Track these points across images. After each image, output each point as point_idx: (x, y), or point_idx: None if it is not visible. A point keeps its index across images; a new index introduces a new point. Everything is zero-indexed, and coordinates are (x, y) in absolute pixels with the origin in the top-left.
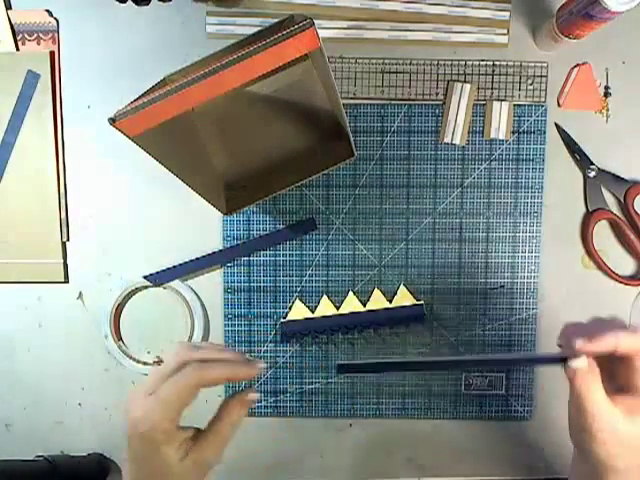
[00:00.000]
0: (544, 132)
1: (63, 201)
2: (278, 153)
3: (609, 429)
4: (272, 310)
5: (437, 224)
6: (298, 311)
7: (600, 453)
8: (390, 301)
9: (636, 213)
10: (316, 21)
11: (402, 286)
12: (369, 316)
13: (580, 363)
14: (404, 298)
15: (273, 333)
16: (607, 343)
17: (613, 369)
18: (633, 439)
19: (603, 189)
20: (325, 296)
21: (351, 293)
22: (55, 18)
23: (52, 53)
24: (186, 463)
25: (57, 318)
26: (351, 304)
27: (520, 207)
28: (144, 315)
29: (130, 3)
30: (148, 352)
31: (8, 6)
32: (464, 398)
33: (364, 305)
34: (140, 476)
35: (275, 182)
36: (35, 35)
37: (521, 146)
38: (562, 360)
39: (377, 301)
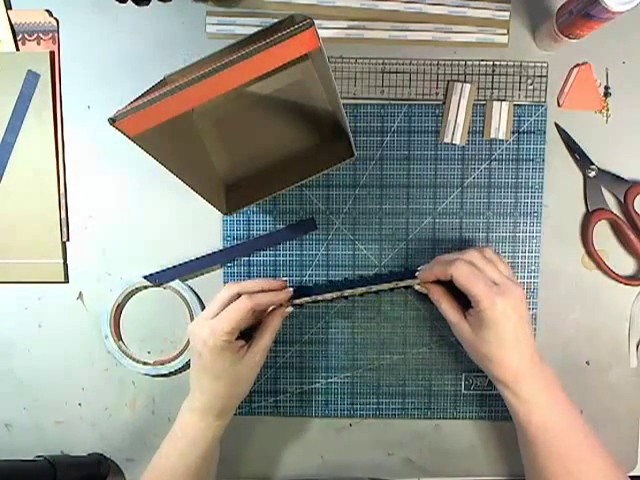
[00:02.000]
0: (544, 132)
1: (63, 201)
2: (278, 153)
3: (462, 336)
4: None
5: (437, 224)
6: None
7: (469, 352)
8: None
9: (636, 213)
10: (316, 21)
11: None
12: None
13: (417, 287)
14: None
15: None
16: (435, 273)
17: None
18: (478, 346)
19: (603, 189)
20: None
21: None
22: (55, 18)
23: (52, 53)
24: (243, 363)
25: (57, 318)
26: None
27: (520, 207)
28: (144, 315)
29: (130, 3)
30: (148, 352)
31: (8, 6)
32: (464, 398)
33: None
34: (208, 381)
35: (275, 182)
36: (35, 35)
37: (521, 146)
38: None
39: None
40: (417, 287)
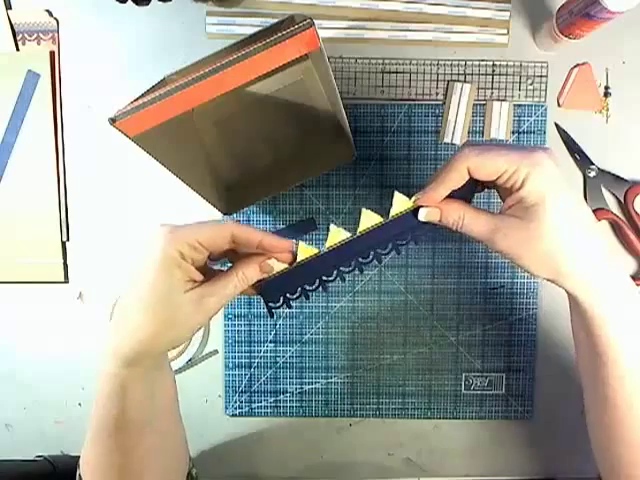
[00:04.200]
0: (544, 132)
1: (63, 201)
2: (278, 153)
3: (510, 246)
4: None
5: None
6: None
7: (527, 262)
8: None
9: (636, 213)
10: (316, 21)
11: (395, 193)
12: (364, 241)
13: (423, 212)
14: (400, 205)
15: (273, 333)
16: (444, 187)
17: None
18: (537, 245)
19: (603, 189)
20: (300, 242)
21: (332, 225)
22: (55, 18)
23: (52, 53)
24: (188, 299)
25: (57, 318)
26: (337, 237)
27: None
28: None
29: (130, 3)
30: None
31: (8, 6)
32: (464, 398)
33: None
34: (135, 312)
35: (275, 182)
36: (35, 35)
37: None
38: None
39: (368, 221)
40: (423, 216)
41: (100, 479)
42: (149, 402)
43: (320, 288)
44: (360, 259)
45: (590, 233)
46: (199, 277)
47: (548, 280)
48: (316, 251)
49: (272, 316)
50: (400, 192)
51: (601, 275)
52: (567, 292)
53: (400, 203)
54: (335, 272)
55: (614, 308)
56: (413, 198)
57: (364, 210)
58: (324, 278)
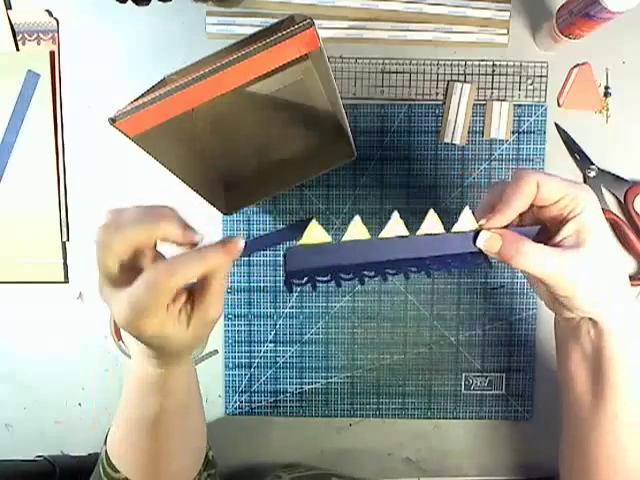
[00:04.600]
0: (544, 132)
1: (63, 201)
2: (278, 153)
3: (580, 269)
4: (272, 310)
5: None
6: (313, 236)
7: (577, 300)
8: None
9: (636, 213)
10: (316, 21)
11: (466, 209)
12: (420, 243)
13: (483, 237)
14: (465, 222)
15: (273, 333)
16: (513, 208)
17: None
18: (584, 277)
19: (603, 189)
20: (357, 217)
21: (396, 213)
22: (55, 18)
23: (52, 53)
24: (192, 328)
25: (57, 318)
26: (394, 230)
27: None
28: None
29: (130, 3)
30: None
31: (8, 6)
32: (464, 398)
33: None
34: (159, 360)
35: (275, 182)
36: (35, 35)
37: (521, 146)
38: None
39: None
40: (483, 242)
41: (130, 461)
42: (187, 392)
43: (356, 280)
44: (408, 265)
45: (623, 264)
46: (182, 297)
47: (588, 314)
48: (368, 236)
49: (291, 291)
50: (400, 195)
51: (626, 304)
52: (590, 324)
53: (465, 221)
54: (374, 270)
55: (632, 338)
56: (480, 222)
57: (431, 212)
58: (365, 272)
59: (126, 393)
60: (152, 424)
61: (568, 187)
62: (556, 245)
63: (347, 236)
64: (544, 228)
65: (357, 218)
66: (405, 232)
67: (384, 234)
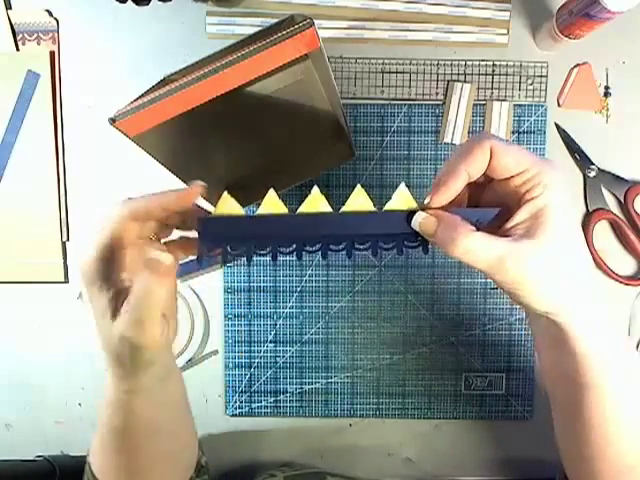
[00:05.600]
0: (544, 132)
1: (63, 201)
2: (278, 153)
3: (516, 265)
4: (272, 310)
5: None
6: (227, 206)
7: (525, 299)
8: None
9: (636, 213)
10: (316, 21)
11: (401, 185)
12: (345, 222)
13: (417, 218)
14: (401, 201)
15: (273, 333)
16: (459, 176)
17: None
18: (539, 266)
19: (603, 189)
20: (271, 190)
21: (315, 188)
22: (55, 18)
23: (52, 53)
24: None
25: (57, 318)
26: (315, 204)
27: None
28: None
29: (130, 3)
30: None
31: (8, 6)
32: (464, 398)
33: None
34: (124, 379)
35: (275, 182)
36: (35, 35)
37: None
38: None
39: (358, 204)
40: (417, 224)
41: (108, 474)
42: (156, 412)
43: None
44: (330, 243)
45: (588, 262)
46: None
47: (545, 313)
48: (285, 210)
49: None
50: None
51: (590, 306)
52: (553, 323)
53: (401, 199)
54: (294, 246)
55: (601, 340)
56: (426, 200)
57: (359, 187)
58: (281, 249)
59: (99, 407)
60: (122, 440)
61: (530, 160)
62: (506, 233)
63: (261, 210)
64: (505, 210)
65: (271, 191)
66: (328, 209)
67: (302, 209)
